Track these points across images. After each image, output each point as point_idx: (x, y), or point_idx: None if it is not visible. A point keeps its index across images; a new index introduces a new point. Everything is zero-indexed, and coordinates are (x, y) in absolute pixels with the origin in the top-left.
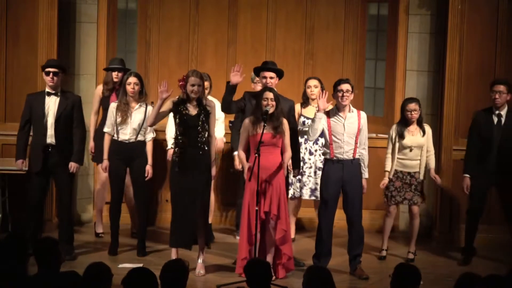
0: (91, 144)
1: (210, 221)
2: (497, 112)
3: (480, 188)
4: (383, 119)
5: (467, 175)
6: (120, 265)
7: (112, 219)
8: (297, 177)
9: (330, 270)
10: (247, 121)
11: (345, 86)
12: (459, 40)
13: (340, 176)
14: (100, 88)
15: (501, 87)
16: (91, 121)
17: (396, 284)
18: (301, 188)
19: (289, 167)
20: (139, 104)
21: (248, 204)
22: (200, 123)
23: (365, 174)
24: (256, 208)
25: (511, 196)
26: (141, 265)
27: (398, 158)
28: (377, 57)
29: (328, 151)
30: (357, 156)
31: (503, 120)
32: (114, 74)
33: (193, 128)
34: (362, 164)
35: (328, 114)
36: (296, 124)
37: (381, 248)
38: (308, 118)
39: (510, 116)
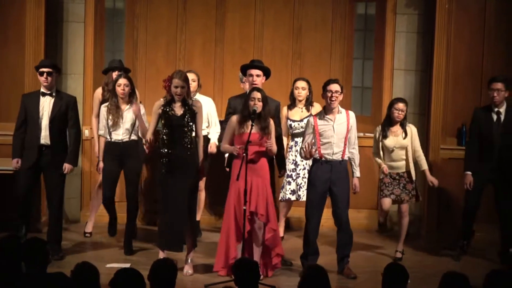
0: (96, 147)
1: (198, 218)
2: (496, 109)
3: (477, 184)
4: (370, 118)
5: (469, 172)
6: (108, 265)
7: (109, 211)
8: (288, 180)
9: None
10: (234, 118)
11: (334, 87)
12: (446, 39)
13: (328, 177)
14: (99, 91)
15: (499, 85)
16: (92, 125)
17: (385, 283)
18: (296, 191)
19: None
20: (129, 104)
21: (233, 204)
22: (185, 123)
23: (357, 173)
24: (244, 207)
25: (508, 192)
26: (128, 265)
27: (385, 159)
28: (364, 57)
29: (316, 152)
30: (346, 158)
31: (502, 117)
32: (115, 74)
33: (179, 128)
34: (353, 164)
35: (317, 116)
36: (280, 125)
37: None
38: (294, 121)
39: (509, 113)
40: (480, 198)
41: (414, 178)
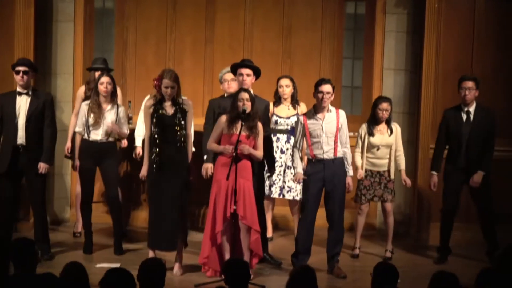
0: (68, 144)
1: None
2: (465, 109)
3: (453, 186)
4: (360, 117)
5: (435, 173)
6: (98, 265)
7: (84, 218)
8: (267, 175)
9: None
10: (223, 118)
11: (326, 88)
12: (436, 38)
13: (321, 175)
14: (82, 88)
15: (470, 84)
16: (71, 122)
17: (375, 283)
18: (270, 186)
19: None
20: (111, 105)
21: (214, 202)
22: (177, 121)
23: (350, 172)
24: (234, 207)
25: (480, 193)
26: (118, 265)
27: (367, 157)
28: (354, 56)
29: (307, 151)
30: (339, 155)
31: (471, 117)
32: (97, 73)
33: (170, 127)
34: (345, 162)
35: (306, 115)
36: (269, 124)
37: (353, 246)
38: (280, 117)
39: (478, 112)
40: (458, 200)
41: (393, 177)
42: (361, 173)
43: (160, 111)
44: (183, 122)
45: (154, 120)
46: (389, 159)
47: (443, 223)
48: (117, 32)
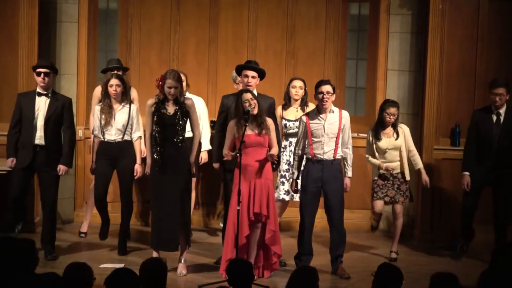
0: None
1: None
2: (496, 111)
3: (476, 185)
4: (364, 118)
5: (467, 173)
6: (102, 265)
7: (101, 214)
8: (282, 180)
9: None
10: (232, 123)
11: (325, 88)
12: (440, 39)
13: (320, 176)
14: (98, 89)
15: (501, 90)
16: (90, 123)
17: (378, 284)
18: (289, 191)
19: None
20: (122, 104)
21: (234, 207)
22: (177, 121)
23: (349, 173)
24: (238, 208)
25: (506, 192)
26: (122, 265)
27: None
28: (358, 57)
29: (307, 151)
30: (338, 157)
31: (502, 118)
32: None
33: (171, 127)
34: (346, 163)
35: (309, 115)
36: (276, 121)
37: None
38: (289, 121)
39: (509, 114)
40: (478, 199)
41: (408, 178)
42: (386, 165)
43: (161, 110)
44: (182, 122)
45: (155, 118)
46: (401, 161)
47: (463, 221)
48: (121, 33)
